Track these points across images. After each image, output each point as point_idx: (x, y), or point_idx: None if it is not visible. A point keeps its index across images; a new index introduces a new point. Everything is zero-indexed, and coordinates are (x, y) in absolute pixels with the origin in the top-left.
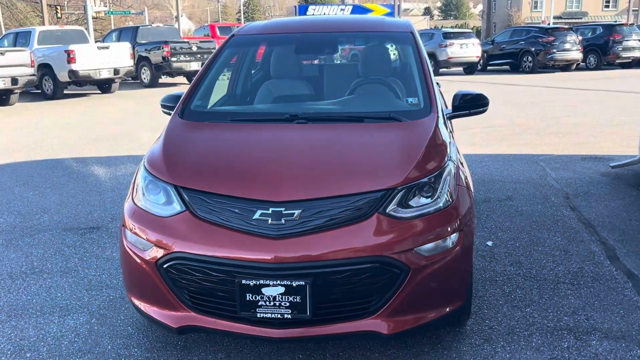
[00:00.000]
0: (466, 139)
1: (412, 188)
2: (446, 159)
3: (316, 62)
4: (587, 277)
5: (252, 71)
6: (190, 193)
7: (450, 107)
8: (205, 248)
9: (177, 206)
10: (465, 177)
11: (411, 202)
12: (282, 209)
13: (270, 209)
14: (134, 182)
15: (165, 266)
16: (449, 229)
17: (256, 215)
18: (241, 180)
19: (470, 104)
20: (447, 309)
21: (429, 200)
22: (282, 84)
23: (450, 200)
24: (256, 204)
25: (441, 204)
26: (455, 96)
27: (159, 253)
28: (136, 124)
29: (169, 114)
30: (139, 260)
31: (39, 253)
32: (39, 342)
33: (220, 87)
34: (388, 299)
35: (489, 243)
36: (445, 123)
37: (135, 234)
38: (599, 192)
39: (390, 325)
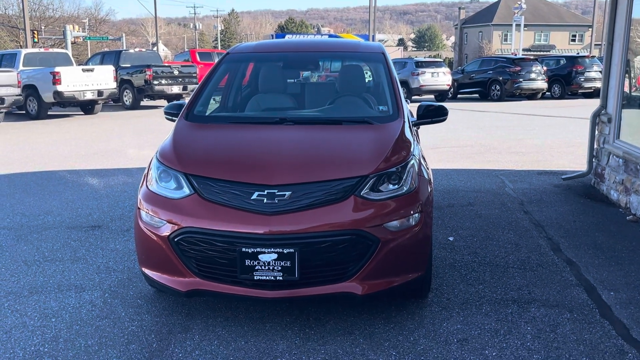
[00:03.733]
0: (435, 156)
1: (382, 176)
2: (410, 154)
3: (301, 79)
4: (533, 264)
5: (243, 85)
6: (198, 179)
7: (415, 117)
8: (212, 223)
9: (186, 190)
10: (427, 171)
11: (381, 187)
12: (275, 190)
13: (266, 191)
14: (147, 173)
15: (176, 239)
16: (411, 211)
17: (254, 196)
18: (241, 168)
19: (433, 113)
20: (410, 277)
21: (395, 186)
22: (269, 97)
23: (413, 187)
24: (254, 187)
25: (405, 190)
26: (419, 107)
27: (171, 229)
28: (121, 142)
29: (171, 120)
30: (153, 236)
31: (49, 246)
32: (61, 311)
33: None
34: (362, 265)
35: (451, 238)
36: (410, 127)
37: (150, 214)
38: (550, 199)
39: (364, 288)
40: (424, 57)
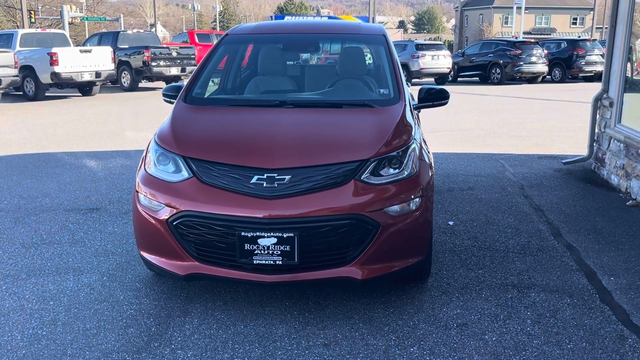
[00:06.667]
0: (435, 140)
1: (383, 160)
2: (411, 138)
3: (300, 62)
4: (533, 248)
5: (242, 67)
6: (196, 162)
7: (416, 100)
8: (211, 207)
9: (185, 173)
10: (428, 155)
11: (382, 172)
12: (275, 174)
13: (265, 175)
14: (145, 156)
15: (175, 223)
16: (412, 195)
17: (253, 180)
18: (240, 152)
19: (434, 97)
20: (410, 261)
21: (396, 170)
22: (268, 80)
23: (414, 171)
24: (253, 170)
25: (406, 174)
26: (420, 90)
27: (169, 212)
28: (120, 124)
29: (169, 102)
30: (151, 220)
31: (46, 228)
32: (59, 294)
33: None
34: (361, 250)
35: (450, 223)
36: (411, 111)
37: (148, 197)
38: (551, 184)
39: (364, 272)
40: (424, 40)
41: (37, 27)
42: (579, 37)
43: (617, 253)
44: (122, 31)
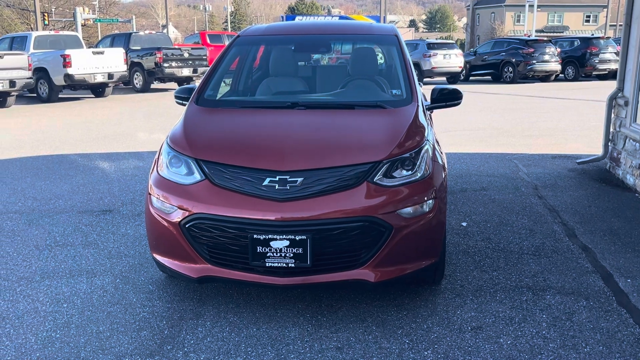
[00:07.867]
0: (447, 139)
1: (396, 162)
2: (424, 139)
3: (311, 62)
4: (548, 250)
5: (254, 68)
6: (209, 165)
7: (429, 100)
8: (223, 209)
9: (197, 176)
10: (441, 156)
11: (394, 174)
12: (287, 177)
13: (277, 177)
14: (157, 158)
15: (187, 226)
16: (425, 197)
17: (265, 182)
18: (252, 154)
19: (447, 97)
20: (423, 263)
21: (409, 172)
22: (280, 81)
23: (427, 173)
24: (265, 173)
25: (419, 176)
26: (433, 90)
27: (182, 215)
28: (132, 125)
29: (182, 104)
30: (164, 222)
31: (60, 230)
32: (72, 296)
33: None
34: (374, 252)
35: (464, 224)
36: (424, 111)
37: (161, 199)
38: (565, 184)
39: (377, 275)
40: (436, 39)
41: (51, 29)
42: (593, 34)
43: (633, 254)
44: (134, 32)
